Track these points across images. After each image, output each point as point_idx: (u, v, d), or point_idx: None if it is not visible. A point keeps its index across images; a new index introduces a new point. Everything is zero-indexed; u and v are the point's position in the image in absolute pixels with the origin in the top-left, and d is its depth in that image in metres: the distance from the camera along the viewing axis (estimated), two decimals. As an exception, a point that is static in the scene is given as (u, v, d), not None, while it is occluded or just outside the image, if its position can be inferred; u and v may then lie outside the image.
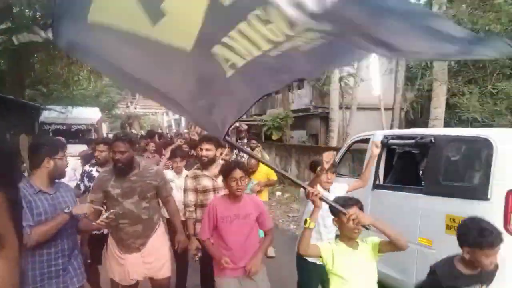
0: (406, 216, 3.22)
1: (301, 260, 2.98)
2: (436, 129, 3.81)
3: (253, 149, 6.67)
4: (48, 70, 10.74)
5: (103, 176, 2.96)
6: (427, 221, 3.03)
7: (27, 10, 9.09)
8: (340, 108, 14.40)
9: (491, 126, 6.21)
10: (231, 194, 2.76)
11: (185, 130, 18.74)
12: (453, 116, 8.10)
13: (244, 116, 23.48)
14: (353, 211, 2.03)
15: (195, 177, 3.45)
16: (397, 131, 4.30)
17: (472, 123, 7.19)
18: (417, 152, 3.75)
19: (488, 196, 2.57)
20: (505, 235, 2.48)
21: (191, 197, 3.39)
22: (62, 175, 2.45)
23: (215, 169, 3.41)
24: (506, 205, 2.48)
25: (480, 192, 2.61)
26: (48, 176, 2.29)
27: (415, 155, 3.76)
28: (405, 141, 3.51)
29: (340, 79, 13.77)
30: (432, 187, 3.04)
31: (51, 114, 11.18)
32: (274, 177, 5.12)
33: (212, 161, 3.47)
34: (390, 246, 2.12)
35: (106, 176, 2.92)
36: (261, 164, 4.83)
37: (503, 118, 6.36)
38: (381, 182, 3.73)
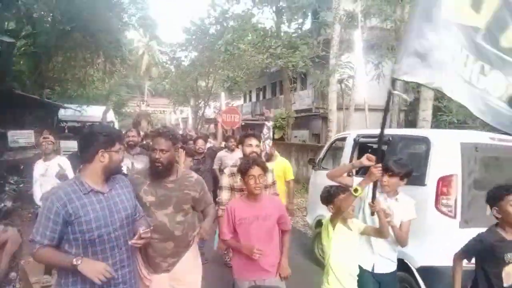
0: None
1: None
2: (393, 130, 4.47)
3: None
4: (66, 71, 11.56)
5: (136, 178, 2.51)
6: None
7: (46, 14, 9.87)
8: (341, 109, 15.05)
9: (467, 127, 6.86)
10: (250, 193, 2.68)
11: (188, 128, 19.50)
12: (438, 118, 8.73)
13: (250, 116, 24.28)
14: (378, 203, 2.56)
15: (232, 174, 3.23)
16: (366, 131, 4.98)
17: (452, 123, 7.86)
18: (383, 149, 4.45)
19: (425, 182, 3.28)
20: (436, 213, 3.20)
21: (226, 195, 3.20)
22: (118, 170, 2.16)
23: None
24: (437, 190, 3.17)
25: (420, 180, 3.30)
26: (102, 172, 1.95)
27: (382, 151, 4.46)
28: (370, 139, 4.23)
29: (340, 81, 14.41)
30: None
31: (66, 112, 12.00)
32: (291, 176, 4.95)
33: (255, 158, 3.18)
34: (374, 232, 2.64)
35: (140, 179, 2.49)
36: (278, 162, 4.85)
37: (475, 120, 7.05)
38: (353, 174, 4.44)
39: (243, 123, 22.27)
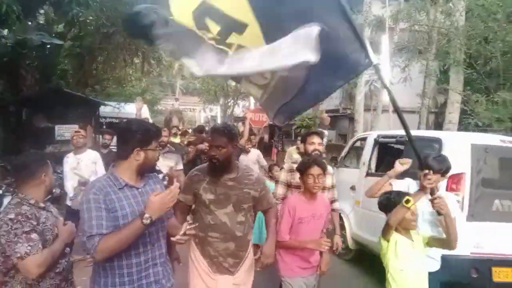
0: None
1: None
2: (412, 131, 4.74)
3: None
4: (107, 71, 12.39)
5: (196, 175, 2.49)
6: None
7: (91, 18, 10.62)
8: (368, 110, 15.16)
9: (490, 131, 6.95)
10: (307, 192, 2.71)
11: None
12: (464, 121, 8.79)
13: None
14: (439, 195, 2.31)
15: (292, 170, 3.21)
16: (386, 132, 5.27)
17: (477, 126, 7.94)
18: (401, 148, 4.73)
19: (437, 179, 3.56)
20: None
21: (281, 190, 3.22)
22: (153, 168, 2.12)
23: None
24: (447, 186, 3.45)
25: (431, 177, 3.60)
26: (136, 170, 1.89)
27: (399, 150, 4.74)
28: (390, 139, 4.53)
29: (367, 82, 14.54)
30: (404, 173, 4.05)
31: (106, 109, 12.83)
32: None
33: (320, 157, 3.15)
34: (441, 242, 2.36)
35: (199, 176, 2.46)
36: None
37: (501, 124, 7.13)
38: (373, 171, 4.75)
39: (271, 122, 22.72)
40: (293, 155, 6.84)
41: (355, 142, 5.63)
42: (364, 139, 5.16)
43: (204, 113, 40.94)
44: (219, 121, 28.87)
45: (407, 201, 2.17)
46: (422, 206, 2.64)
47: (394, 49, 11.17)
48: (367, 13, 11.53)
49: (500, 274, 3.40)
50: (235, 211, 2.39)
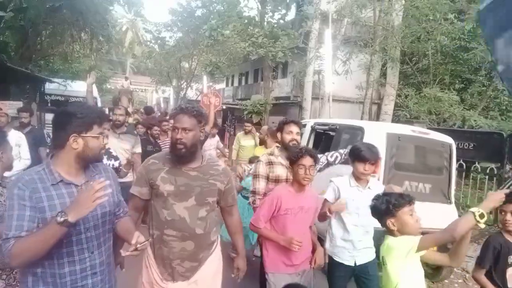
0: (323, 179, 4.72)
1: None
2: (340, 120, 5.31)
3: (247, 132, 6.68)
4: (53, 47, 11.87)
5: (152, 163, 2.14)
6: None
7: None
8: (317, 98, 15.93)
9: (416, 122, 7.81)
10: (297, 183, 2.61)
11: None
12: (395, 113, 9.71)
13: (231, 100, 24.89)
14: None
15: (270, 163, 3.07)
16: (321, 120, 5.83)
17: (405, 117, 8.86)
18: (333, 134, 5.30)
19: (358, 163, 4.14)
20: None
21: (262, 185, 3.03)
22: (98, 159, 1.78)
23: None
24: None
25: (354, 160, 4.17)
26: (75, 161, 1.64)
27: (332, 136, 5.32)
28: (324, 127, 5.07)
29: (316, 72, 15.25)
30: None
31: (50, 86, 12.35)
32: None
33: (296, 147, 2.99)
34: (444, 259, 2.05)
35: (157, 165, 2.12)
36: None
37: (428, 116, 8.08)
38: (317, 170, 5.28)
39: (224, 107, 22.95)
40: (241, 140, 7.18)
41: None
42: (303, 126, 5.67)
43: (156, 94, 40.06)
44: (171, 102, 28.50)
45: (481, 216, 1.77)
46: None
47: (341, 42, 11.84)
48: (317, 5, 12.07)
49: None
50: (198, 205, 2.09)
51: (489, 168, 6.37)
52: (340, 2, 10.27)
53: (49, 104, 12.18)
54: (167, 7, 29.49)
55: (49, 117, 9.60)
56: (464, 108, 8.90)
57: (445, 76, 9.94)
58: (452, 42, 9.66)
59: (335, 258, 2.85)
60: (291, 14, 17.47)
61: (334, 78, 13.24)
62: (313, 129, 5.28)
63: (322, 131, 5.18)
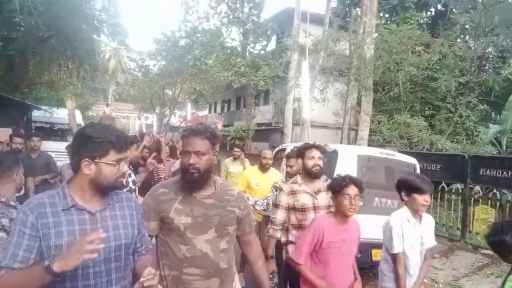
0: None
1: None
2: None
3: (235, 158, 6.52)
4: (40, 75, 12.16)
5: (162, 193, 1.90)
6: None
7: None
8: (297, 124, 16.59)
9: (388, 146, 8.41)
10: (340, 214, 2.45)
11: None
12: (371, 137, 10.34)
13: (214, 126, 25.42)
14: None
15: (293, 192, 2.91)
16: (300, 144, 6.32)
17: (378, 142, 9.48)
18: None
19: (333, 182, 4.59)
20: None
21: (281, 215, 2.89)
22: (117, 186, 1.60)
23: (317, 183, 2.96)
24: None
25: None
26: (89, 187, 1.53)
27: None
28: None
29: (296, 99, 15.98)
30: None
31: (35, 113, 12.53)
32: None
33: (320, 173, 2.92)
34: None
35: (168, 194, 1.88)
36: (266, 178, 4.47)
37: (400, 141, 8.73)
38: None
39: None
40: (229, 166, 7.31)
41: (276, 152, 6.59)
42: (283, 150, 6.12)
43: (139, 121, 40.16)
44: (155, 129, 28.71)
45: None
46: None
47: (318, 72, 12.60)
48: (295, 38, 12.88)
49: (377, 254, 4.47)
50: (218, 236, 1.86)
51: (454, 188, 6.94)
52: (317, 36, 11.07)
53: (33, 131, 12.32)
54: (151, 37, 30.17)
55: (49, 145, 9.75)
56: (432, 133, 9.61)
57: (415, 103, 10.74)
58: (421, 72, 10.51)
59: None
60: (272, 45, 18.38)
61: (313, 105, 13.93)
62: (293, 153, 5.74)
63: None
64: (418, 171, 4.95)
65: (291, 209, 2.92)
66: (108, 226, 1.55)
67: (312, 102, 14.53)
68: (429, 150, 8.97)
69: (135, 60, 26.21)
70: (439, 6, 14.81)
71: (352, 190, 2.40)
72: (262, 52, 16.51)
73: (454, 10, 11.89)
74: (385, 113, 10.78)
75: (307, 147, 3.03)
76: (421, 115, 10.86)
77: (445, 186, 6.93)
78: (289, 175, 3.87)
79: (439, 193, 7.12)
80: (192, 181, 1.85)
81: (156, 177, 4.85)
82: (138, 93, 27.12)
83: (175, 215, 1.83)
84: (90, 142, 1.52)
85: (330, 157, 4.84)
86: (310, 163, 2.93)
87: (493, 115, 14.73)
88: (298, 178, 3.03)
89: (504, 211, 6.41)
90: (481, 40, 10.57)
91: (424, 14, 14.92)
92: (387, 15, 15.14)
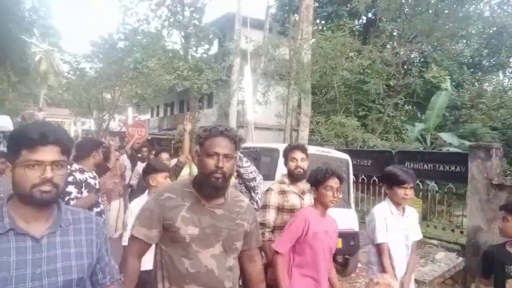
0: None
1: None
2: (260, 144, 6.18)
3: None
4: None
5: (168, 198, 1.69)
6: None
7: None
8: (242, 126, 16.92)
9: (326, 145, 9.01)
10: (321, 206, 2.48)
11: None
12: (311, 137, 10.98)
13: (157, 131, 24.86)
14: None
15: (283, 192, 2.87)
16: (245, 145, 6.62)
17: (320, 142, 10.13)
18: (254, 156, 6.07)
19: (275, 177, 4.91)
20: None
21: (272, 215, 2.79)
22: (34, 197, 1.19)
23: (301, 184, 2.93)
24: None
25: (272, 176, 4.93)
26: (25, 203, 1.21)
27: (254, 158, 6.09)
28: (246, 150, 5.82)
29: (240, 102, 16.31)
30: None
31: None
32: None
33: (303, 175, 2.87)
34: None
35: (174, 200, 1.69)
36: None
37: (336, 139, 9.43)
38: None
39: (149, 137, 22.82)
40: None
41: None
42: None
43: (75, 127, 38.11)
44: (94, 135, 27.42)
45: None
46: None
47: (260, 75, 13.04)
48: (237, 42, 13.20)
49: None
50: (225, 251, 1.68)
51: (384, 181, 7.65)
52: (257, 42, 11.48)
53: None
54: (87, 39, 28.85)
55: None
56: (365, 131, 10.45)
57: (349, 105, 11.60)
58: (353, 76, 11.38)
59: None
60: (214, 49, 18.54)
61: (256, 108, 14.36)
62: (237, 152, 6.00)
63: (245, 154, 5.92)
64: (351, 166, 5.45)
65: (280, 209, 2.84)
66: (56, 257, 1.23)
67: (255, 104, 15.01)
68: (362, 148, 9.76)
69: (70, 62, 24.91)
70: (369, 15, 16.00)
71: (334, 182, 2.44)
72: (205, 55, 16.58)
73: (383, 18, 12.96)
74: (323, 114, 11.49)
75: (290, 148, 3.01)
76: (355, 115, 11.74)
77: (376, 179, 7.62)
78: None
79: (371, 186, 7.81)
80: (216, 187, 1.65)
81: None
82: (74, 97, 25.71)
83: (181, 224, 1.63)
84: (10, 138, 1.22)
85: (272, 155, 5.17)
86: (292, 164, 2.93)
87: (418, 115, 16.26)
88: (285, 179, 3.00)
89: (429, 201, 7.18)
90: (406, 46, 11.69)
91: (356, 21, 16.04)
92: (323, 22, 16.02)
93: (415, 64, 14.59)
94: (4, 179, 3.75)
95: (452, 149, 10.05)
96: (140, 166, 5.52)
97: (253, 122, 14.68)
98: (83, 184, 3.08)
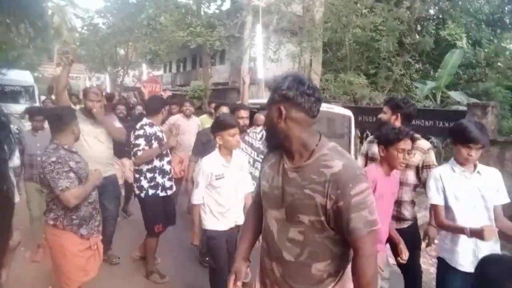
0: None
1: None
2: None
3: (212, 114, 6.14)
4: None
5: (267, 152, 1.65)
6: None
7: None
8: (253, 83, 17.20)
9: (333, 102, 9.41)
10: (389, 167, 2.38)
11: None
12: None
13: (170, 86, 25.27)
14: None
15: (371, 142, 3.00)
16: (254, 100, 7.10)
17: (328, 99, 10.51)
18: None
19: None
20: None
21: (360, 163, 2.94)
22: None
23: None
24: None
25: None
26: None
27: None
28: (256, 106, 6.30)
29: (252, 59, 16.48)
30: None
31: (-18, 75, 12.13)
32: None
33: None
34: None
35: (267, 155, 1.64)
36: None
37: (344, 97, 9.81)
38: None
39: (165, 93, 23.20)
40: (205, 124, 7.36)
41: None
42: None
43: (90, 82, 38.58)
44: (108, 90, 27.98)
45: None
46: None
47: (272, 32, 13.15)
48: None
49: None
50: (288, 221, 1.46)
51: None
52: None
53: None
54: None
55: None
56: (373, 89, 10.75)
57: (361, 62, 11.76)
58: (365, 34, 11.44)
59: (450, 263, 2.33)
60: (226, 5, 18.43)
61: (268, 65, 14.60)
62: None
63: (256, 109, 6.41)
64: (353, 122, 5.90)
65: (366, 157, 3.15)
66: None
67: (266, 62, 15.18)
68: (369, 105, 10.11)
69: (83, 17, 24.89)
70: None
71: (407, 144, 2.33)
72: (217, 11, 16.57)
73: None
74: (333, 72, 11.74)
75: (236, 108, 3.04)
76: (364, 74, 11.94)
77: (379, 135, 8.05)
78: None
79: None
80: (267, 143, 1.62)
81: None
82: (88, 53, 25.99)
83: (262, 177, 1.60)
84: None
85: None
86: (240, 122, 3.06)
87: (431, 73, 16.21)
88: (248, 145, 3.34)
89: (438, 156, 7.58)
90: (421, 1, 11.52)
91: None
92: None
93: (431, 21, 14.36)
94: (41, 135, 3.91)
95: (461, 108, 10.25)
96: (172, 119, 5.66)
97: (264, 79, 14.97)
98: (153, 137, 3.37)
